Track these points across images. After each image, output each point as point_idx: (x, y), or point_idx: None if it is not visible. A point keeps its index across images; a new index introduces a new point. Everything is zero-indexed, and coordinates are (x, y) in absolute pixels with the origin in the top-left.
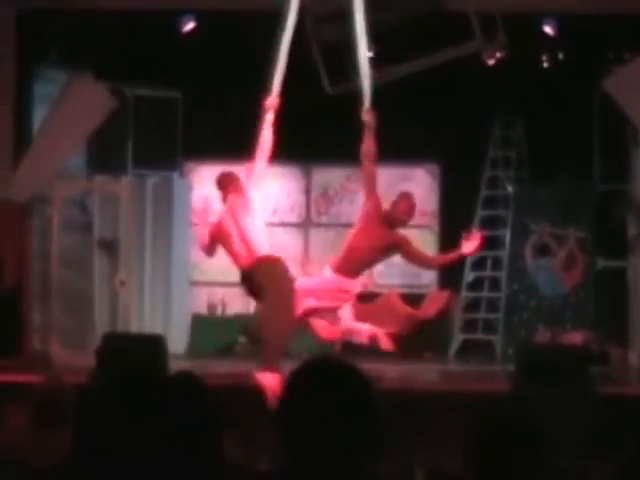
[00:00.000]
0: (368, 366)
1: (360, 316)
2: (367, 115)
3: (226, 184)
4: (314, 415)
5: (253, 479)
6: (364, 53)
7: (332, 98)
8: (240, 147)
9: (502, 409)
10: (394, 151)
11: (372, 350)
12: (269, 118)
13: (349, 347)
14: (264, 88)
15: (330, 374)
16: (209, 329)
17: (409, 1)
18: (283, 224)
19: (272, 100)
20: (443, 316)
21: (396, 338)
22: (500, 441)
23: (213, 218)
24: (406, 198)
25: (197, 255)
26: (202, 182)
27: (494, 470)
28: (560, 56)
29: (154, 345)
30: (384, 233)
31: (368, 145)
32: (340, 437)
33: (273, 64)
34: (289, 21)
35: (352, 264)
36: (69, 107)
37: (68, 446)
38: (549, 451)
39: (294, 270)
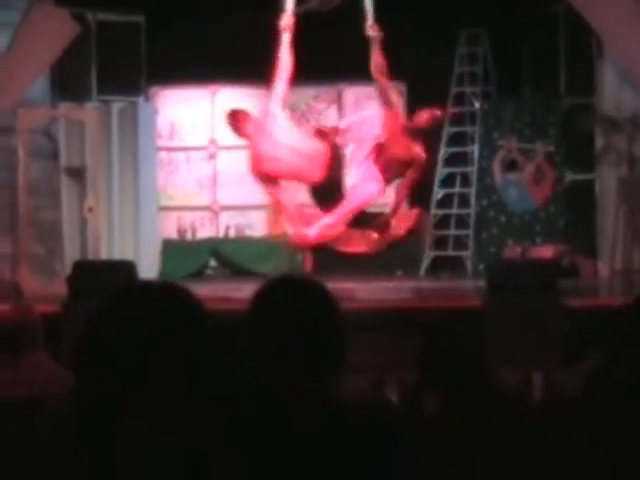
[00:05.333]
0: (339, 285)
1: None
2: (372, 29)
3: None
4: (277, 331)
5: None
6: None
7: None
8: (203, 71)
9: (451, 322)
10: (359, 70)
11: (343, 269)
12: (286, 39)
13: (320, 267)
14: (229, 9)
15: (293, 290)
16: (179, 254)
17: None
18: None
19: (286, 20)
20: (413, 234)
21: (366, 256)
22: (446, 351)
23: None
24: (431, 111)
25: (164, 180)
26: (166, 106)
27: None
28: None
29: (125, 271)
30: (406, 144)
31: (377, 59)
32: (302, 353)
33: None
34: None
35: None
36: (30, 34)
37: (43, 375)
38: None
39: (263, 191)
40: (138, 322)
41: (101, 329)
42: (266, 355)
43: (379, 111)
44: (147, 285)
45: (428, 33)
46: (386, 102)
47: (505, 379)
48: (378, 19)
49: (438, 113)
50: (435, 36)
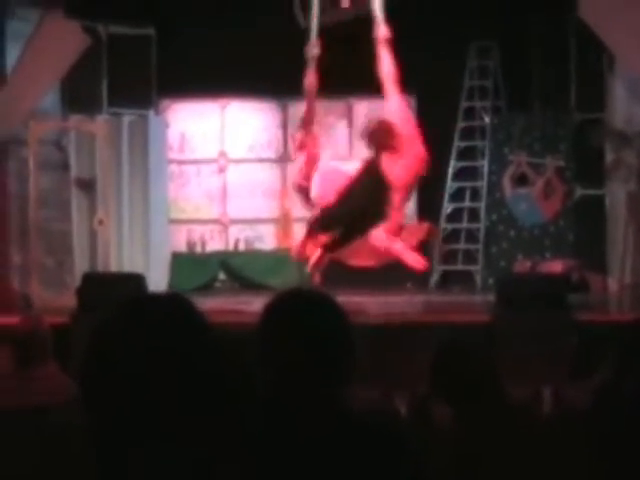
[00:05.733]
0: (348, 299)
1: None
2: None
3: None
4: (287, 344)
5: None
6: None
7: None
8: (214, 84)
9: (463, 336)
10: (368, 83)
11: (353, 282)
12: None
13: (329, 280)
14: (239, 23)
15: (302, 304)
16: (189, 267)
17: None
18: (261, 160)
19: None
20: (423, 248)
21: (376, 270)
22: (458, 364)
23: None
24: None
25: (175, 193)
26: (177, 119)
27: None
28: None
29: (134, 284)
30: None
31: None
32: (312, 366)
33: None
34: None
35: None
36: (42, 46)
37: (52, 386)
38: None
39: (273, 204)
40: (144, 334)
41: (106, 341)
42: (276, 368)
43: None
44: (153, 297)
45: (438, 45)
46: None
47: (515, 393)
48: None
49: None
50: (445, 48)
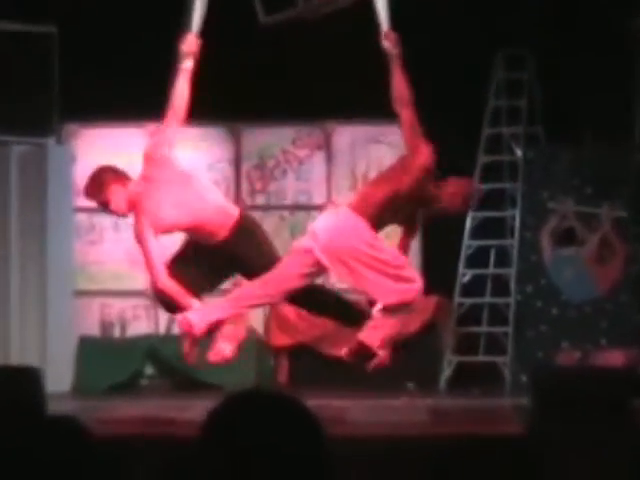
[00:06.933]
0: (324, 402)
1: (315, 329)
2: (388, 39)
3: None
4: (238, 466)
5: None
6: None
7: (269, 34)
8: (138, 104)
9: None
10: (360, 104)
11: (331, 380)
12: (186, 66)
13: (299, 376)
14: (178, 23)
15: (260, 411)
16: (103, 357)
17: None
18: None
19: (191, 42)
20: (430, 331)
21: (367, 362)
22: None
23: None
24: (463, 185)
25: (83, 254)
26: (88, 151)
27: None
28: None
29: (25, 381)
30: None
31: (398, 84)
32: None
33: None
34: None
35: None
36: None
37: None
38: None
39: None
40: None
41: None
42: None
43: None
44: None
45: (453, 53)
46: (414, 141)
47: None
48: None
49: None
50: (463, 57)
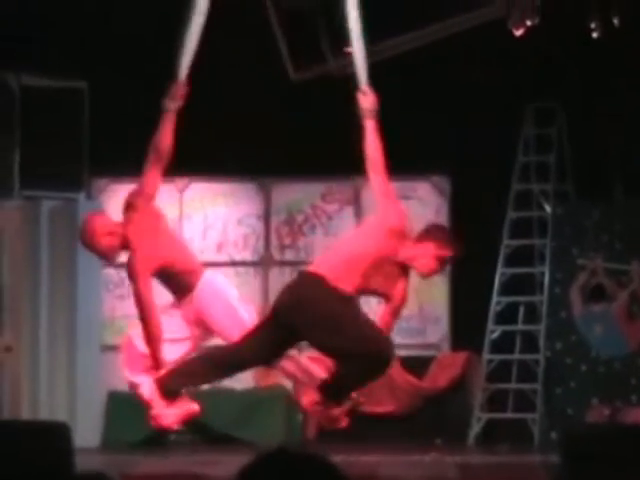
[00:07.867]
0: (354, 459)
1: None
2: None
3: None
4: None
5: None
6: (355, 15)
7: (298, 91)
8: (173, 158)
9: None
10: (389, 159)
11: (361, 436)
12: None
13: (329, 433)
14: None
15: (289, 470)
16: (131, 412)
17: None
18: (233, 263)
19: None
20: (459, 387)
21: (394, 419)
22: None
23: None
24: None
25: (112, 308)
26: (117, 206)
27: None
28: (615, 22)
29: (54, 436)
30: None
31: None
32: None
33: (181, 38)
34: None
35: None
36: None
37: None
38: None
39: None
40: None
41: None
42: None
43: None
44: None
45: (480, 107)
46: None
47: None
48: (415, 85)
49: None
50: (491, 112)
